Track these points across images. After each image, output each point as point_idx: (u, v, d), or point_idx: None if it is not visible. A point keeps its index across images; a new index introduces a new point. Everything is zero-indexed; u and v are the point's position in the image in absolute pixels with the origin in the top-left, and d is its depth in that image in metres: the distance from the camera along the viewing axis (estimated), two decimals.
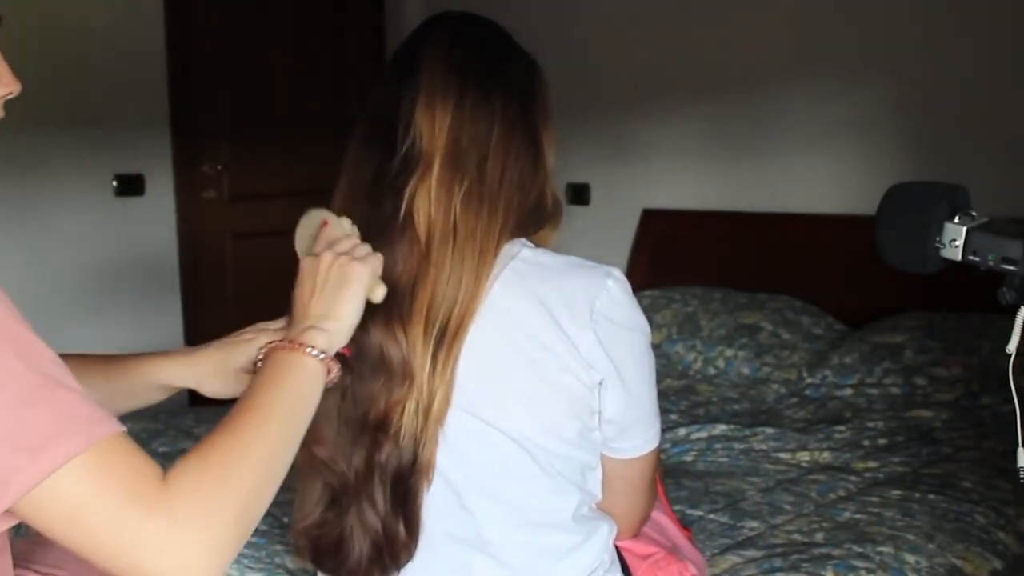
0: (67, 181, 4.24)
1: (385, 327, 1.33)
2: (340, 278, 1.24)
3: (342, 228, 1.32)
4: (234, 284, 4.61)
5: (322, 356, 1.18)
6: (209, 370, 1.39)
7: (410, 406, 1.33)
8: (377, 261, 1.28)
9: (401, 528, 1.37)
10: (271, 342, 1.20)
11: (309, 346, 1.17)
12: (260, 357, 1.20)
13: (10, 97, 1.12)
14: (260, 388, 1.12)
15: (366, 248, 1.29)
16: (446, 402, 1.34)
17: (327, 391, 1.26)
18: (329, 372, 1.20)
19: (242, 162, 4.66)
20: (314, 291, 1.24)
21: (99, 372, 1.39)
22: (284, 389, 1.13)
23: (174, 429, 2.91)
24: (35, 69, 4.32)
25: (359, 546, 1.37)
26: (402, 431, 1.34)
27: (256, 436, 1.05)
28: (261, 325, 1.39)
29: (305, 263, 1.28)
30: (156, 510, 0.93)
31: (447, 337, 1.33)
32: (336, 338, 1.22)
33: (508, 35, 1.45)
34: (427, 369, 1.33)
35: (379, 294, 1.28)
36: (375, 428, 1.35)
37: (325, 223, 1.32)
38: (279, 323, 1.36)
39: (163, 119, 4.46)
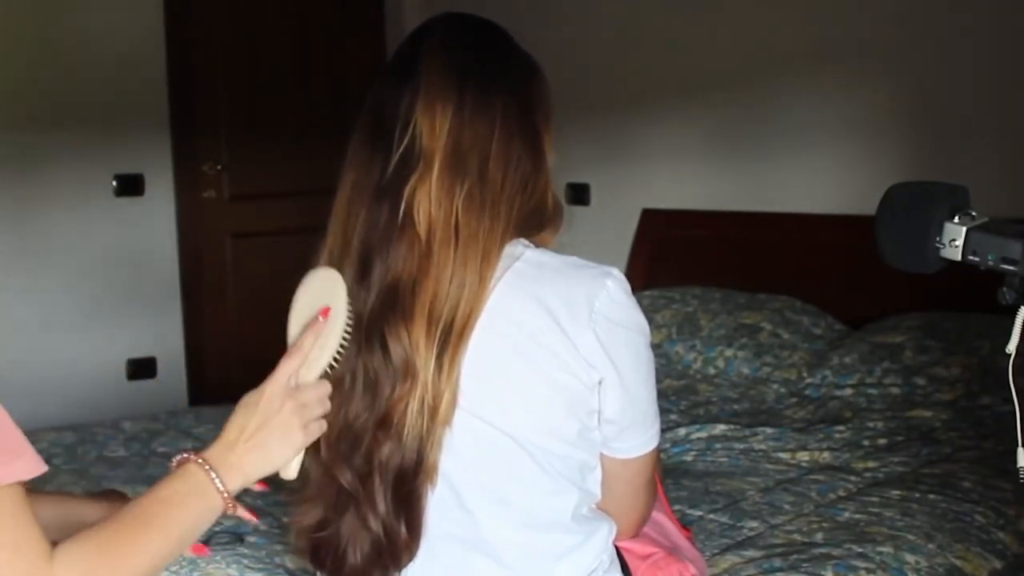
0: (67, 181, 4.24)
1: (387, 325, 1.33)
2: (274, 432, 1.22)
3: (335, 331, 1.26)
4: (234, 284, 4.61)
5: (227, 495, 1.19)
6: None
7: (413, 405, 1.33)
8: (314, 435, 1.25)
9: (403, 529, 1.37)
10: (191, 453, 1.21)
11: (222, 481, 1.18)
12: (177, 460, 1.21)
13: None
14: (165, 501, 1.16)
15: (319, 410, 1.25)
16: (453, 404, 1.34)
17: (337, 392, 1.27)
18: (225, 511, 1.20)
19: (242, 162, 4.66)
20: (245, 431, 1.22)
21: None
22: (183, 515, 1.17)
23: (174, 429, 2.91)
24: (35, 69, 4.33)
25: (359, 547, 1.37)
26: (406, 430, 1.33)
27: (141, 549, 1.12)
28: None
29: (258, 397, 1.23)
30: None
31: (452, 338, 1.33)
32: (245, 483, 1.22)
33: (508, 36, 1.45)
34: (432, 370, 1.32)
35: (291, 471, 1.25)
36: (376, 425, 1.35)
37: (326, 313, 1.27)
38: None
39: (163, 119, 4.46)
